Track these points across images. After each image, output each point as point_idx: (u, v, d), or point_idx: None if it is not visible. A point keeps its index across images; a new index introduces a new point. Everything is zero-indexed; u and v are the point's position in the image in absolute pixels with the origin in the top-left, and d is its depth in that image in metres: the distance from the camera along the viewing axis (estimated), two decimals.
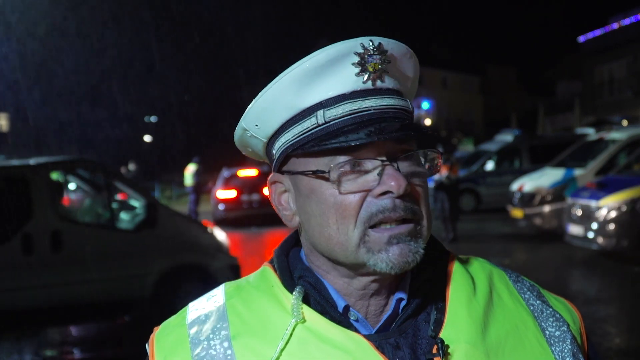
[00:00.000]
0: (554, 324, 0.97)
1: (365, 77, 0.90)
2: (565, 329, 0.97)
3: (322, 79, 0.90)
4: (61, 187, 7.69)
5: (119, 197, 8.31)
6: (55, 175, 7.22)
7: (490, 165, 17.78)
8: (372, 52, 0.90)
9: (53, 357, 6.82)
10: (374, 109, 0.89)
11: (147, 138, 36.32)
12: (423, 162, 0.94)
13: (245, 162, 18.19)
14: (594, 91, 29.06)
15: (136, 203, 7.56)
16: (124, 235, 6.96)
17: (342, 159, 0.89)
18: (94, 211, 7.93)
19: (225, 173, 18.08)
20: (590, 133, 14.88)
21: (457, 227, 12.73)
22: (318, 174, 0.90)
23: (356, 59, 0.89)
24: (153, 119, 34.75)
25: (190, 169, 18.95)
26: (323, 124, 0.89)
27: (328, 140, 0.88)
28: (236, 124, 1.00)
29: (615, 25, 26.86)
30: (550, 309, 1.00)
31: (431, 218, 0.95)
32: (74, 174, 8.21)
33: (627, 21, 26.12)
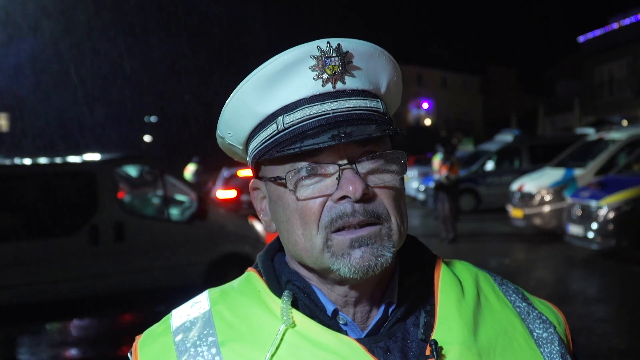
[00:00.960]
0: (541, 326, 0.97)
1: (323, 80, 0.88)
2: (552, 331, 0.97)
3: (281, 85, 0.89)
4: (119, 181, 8.35)
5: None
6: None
7: (490, 165, 17.78)
8: (329, 55, 0.88)
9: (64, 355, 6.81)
10: (334, 112, 0.87)
11: (147, 138, 36.33)
12: (393, 162, 0.91)
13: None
14: (594, 91, 29.05)
15: (182, 197, 8.11)
16: (178, 226, 7.41)
17: (300, 164, 0.88)
18: (150, 204, 8.47)
19: (225, 173, 18.09)
20: (590, 133, 14.88)
21: (457, 227, 12.72)
22: (278, 181, 0.90)
23: (313, 62, 0.88)
24: (153, 119, 34.76)
25: (190, 169, 18.95)
26: (283, 130, 0.89)
27: (286, 146, 0.87)
28: None
29: (615, 25, 26.87)
30: (536, 311, 1.00)
31: (405, 218, 0.93)
32: (129, 169, 8.94)
33: (627, 21, 26.13)
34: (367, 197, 0.87)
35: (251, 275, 0.99)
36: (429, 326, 0.92)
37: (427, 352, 0.88)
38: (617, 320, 6.74)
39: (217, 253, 7.35)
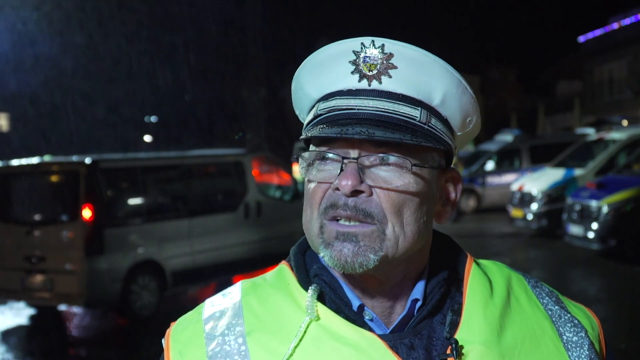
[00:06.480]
0: (571, 330, 0.97)
1: (359, 76, 0.89)
2: (583, 335, 0.97)
3: (324, 74, 0.92)
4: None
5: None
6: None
7: (490, 165, 17.76)
8: (369, 53, 0.89)
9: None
10: (358, 108, 0.89)
11: (147, 138, 36.32)
12: (407, 168, 0.88)
13: None
14: (594, 91, 29.06)
15: (279, 181, 10.41)
16: (287, 204, 9.83)
17: (320, 149, 0.92)
18: (271, 187, 10.32)
19: None
20: (590, 133, 14.90)
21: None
22: (296, 160, 0.95)
23: (352, 57, 0.89)
24: (153, 119, 34.73)
25: None
26: (318, 116, 0.93)
27: (310, 130, 0.92)
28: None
29: (615, 25, 26.86)
30: (569, 315, 1.00)
31: (411, 228, 0.89)
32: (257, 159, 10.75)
33: (627, 21, 26.11)
34: (359, 194, 0.87)
35: (283, 268, 1.01)
36: (455, 325, 0.92)
37: (448, 351, 0.89)
38: (617, 320, 6.75)
39: None
